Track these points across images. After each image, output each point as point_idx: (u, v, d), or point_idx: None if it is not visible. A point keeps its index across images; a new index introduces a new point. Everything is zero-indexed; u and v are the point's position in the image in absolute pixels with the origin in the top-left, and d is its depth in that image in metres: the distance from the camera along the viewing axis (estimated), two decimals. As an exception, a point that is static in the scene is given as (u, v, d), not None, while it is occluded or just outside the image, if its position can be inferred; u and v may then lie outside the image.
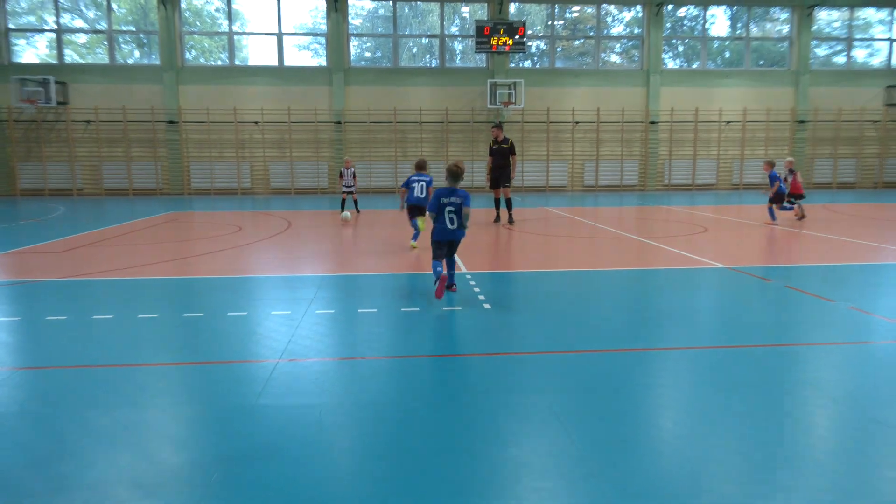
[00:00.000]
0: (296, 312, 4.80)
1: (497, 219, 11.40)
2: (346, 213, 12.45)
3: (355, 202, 13.37)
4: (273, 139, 21.36)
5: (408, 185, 8.34)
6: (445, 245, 5.68)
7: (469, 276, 6.17)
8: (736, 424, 2.86)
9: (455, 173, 5.68)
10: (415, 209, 8.23)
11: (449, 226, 5.64)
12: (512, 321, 4.64)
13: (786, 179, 11.67)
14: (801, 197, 11.51)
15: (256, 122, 21.06)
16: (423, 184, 8.22)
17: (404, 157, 21.52)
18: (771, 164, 11.35)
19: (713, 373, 3.52)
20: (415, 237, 8.30)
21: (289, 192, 21.40)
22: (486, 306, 4.98)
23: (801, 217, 11.50)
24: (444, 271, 5.57)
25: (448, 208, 5.64)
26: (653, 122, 22.19)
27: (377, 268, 7.06)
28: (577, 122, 21.94)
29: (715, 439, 2.72)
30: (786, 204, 11.28)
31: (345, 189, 13.34)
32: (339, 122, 21.27)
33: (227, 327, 4.44)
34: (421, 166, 8.72)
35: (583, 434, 2.74)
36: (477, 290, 5.58)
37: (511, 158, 10.95)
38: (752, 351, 3.88)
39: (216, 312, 4.83)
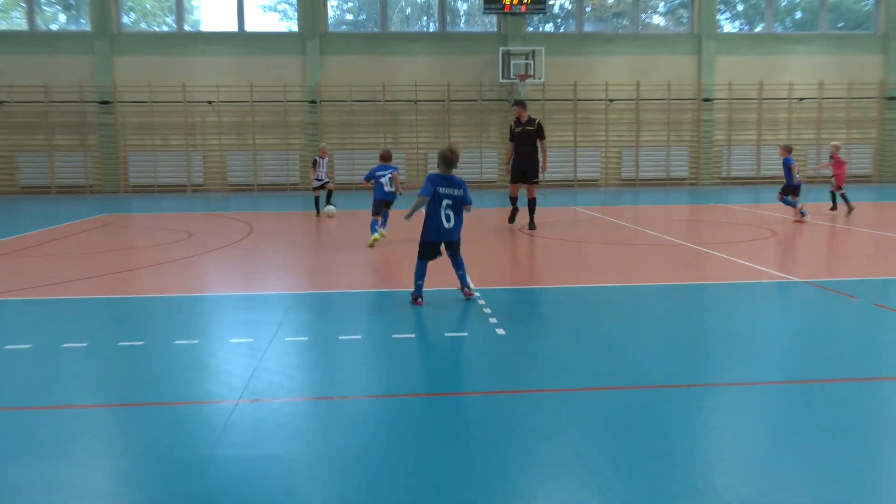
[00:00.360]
0: (260, 340, 4.81)
1: (512, 219, 11.39)
2: (331, 207, 13.27)
3: (329, 194, 13.44)
4: (232, 123, 21.47)
5: (373, 177, 9.66)
6: (444, 245, 5.85)
7: (478, 294, 6.18)
8: (815, 480, 2.83)
9: (449, 159, 5.82)
10: (383, 203, 9.67)
11: (445, 224, 5.79)
12: (531, 350, 4.63)
13: (823, 166, 12.81)
14: (838, 189, 12.91)
15: (211, 102, 21.17)
16: (389, 177, 9.62)
17: (395, 144, 21.59)
18: (787, 150, 12.02)
19: (786, 414, 3.50)
20: (374, 228, 9.44)
21: (251, 188, 21.48)
22: (499, 331, 4.98)
23: (833, 208, 12.96)
24: (463, 286, 5.87)
25: (445, 201, 5.77)
26: (706, 100, 22.25)
27: (361, 283, 7.05)
28: (611, 101, 22.02)
29: (789, 500, 2.70)
30: (788, 198, 11.87)
31: (316, 183, 13.39)
32: (313, 102, 21.38)
33: (174, 359, 4.44)
34: (386, 157, 9.93)
35: (620, 491, 2.72)
36: (487, 310, 5.58)
37: (540, 144, 10.86)
38: (836, 387, 3.86)
39: (160, 341, 4.83)
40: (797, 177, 11.75)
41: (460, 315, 5.53)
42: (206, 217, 13.96)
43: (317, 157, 13.47)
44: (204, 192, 21.26)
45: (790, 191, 11.79)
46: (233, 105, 21.30)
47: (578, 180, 22.20)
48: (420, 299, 5.84)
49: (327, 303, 6.17)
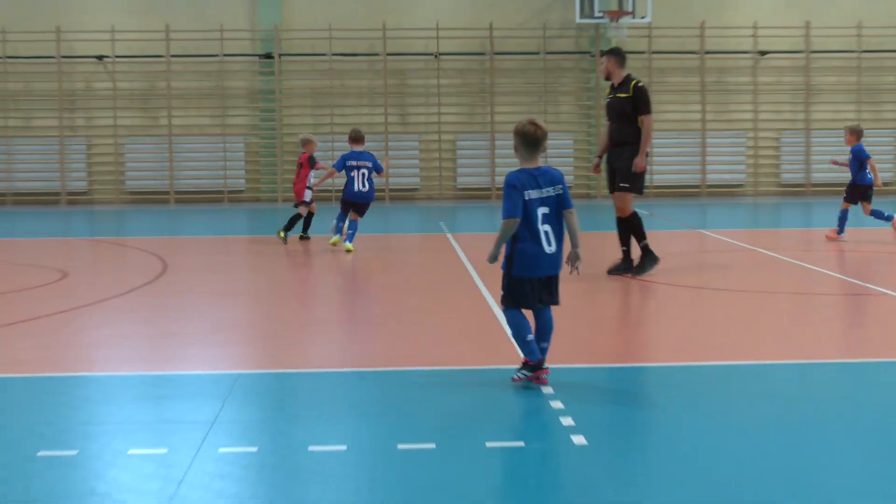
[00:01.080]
0: (178, 451, 4.81)
1: (625, 266, 10.59)
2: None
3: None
4: (134, 90, 21.75)
5: (343, 167, 11.03)
6: (541, 285, 5.90)
7: (543, 377, 6.16)
8: None
9: (534, 136, 5.87)
10: (353, 206, 11.09)
11: (546, 247, 5.80)
12: (630, 471, 4.61)
13: None
14: None
15: (101, 58, 21.49)
16: (366, 171, 10.85)
17: (403, 126, 21.77)
18: (857, 133, 12.47)
19: None
20: (346, 235, 10.95)
21: (165, 198, 21.65)
22: (577, 440, 4.95)
23: None
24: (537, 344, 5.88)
25: (540, 210, 5.80)
26: (923, 52, 22.16)
27: (344, 356, 7.04)
28: (762, 54, 22.01)
29: None
30: (878, 209, 12.43)
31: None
32: (268, 56, 21.61)
33: (37, 482, 4.46)
34: (358, 139, 11.31)
35: None
36: (557, 404, 5.55)
37: (643, 122, 10.51)
38: None
39: (15, 452, 4.86)
40: (870, 174, 12.27)
41: (513, 411, 5.50)
42: (91, 246, 14.07)
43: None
44: (89, 205, 21.49)
45: (864, 192, 12.38)
46: (137, 62, 21.60)
47: (708, 186, 22.12)
48: (544, 375, 5.83)
49: (289, 388, 6.16)
